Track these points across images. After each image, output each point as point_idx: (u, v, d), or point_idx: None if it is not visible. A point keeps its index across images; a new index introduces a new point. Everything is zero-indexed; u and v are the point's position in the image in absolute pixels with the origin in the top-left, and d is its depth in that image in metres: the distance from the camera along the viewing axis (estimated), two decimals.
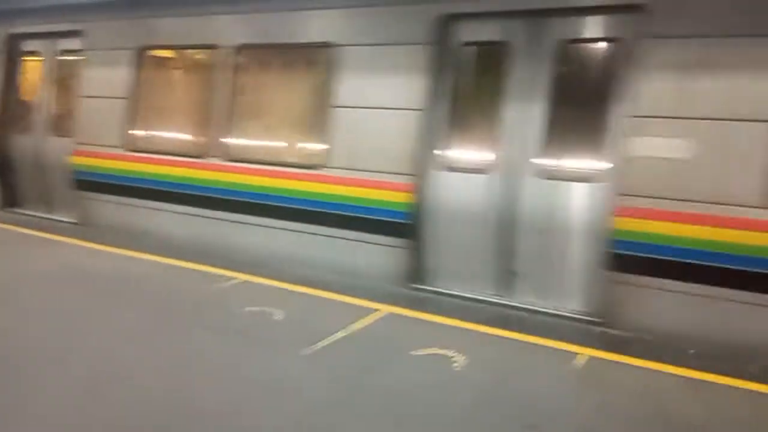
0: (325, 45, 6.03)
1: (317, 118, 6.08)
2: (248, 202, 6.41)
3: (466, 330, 4.59)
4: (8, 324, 4.37)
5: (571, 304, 5.07)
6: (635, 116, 4.62)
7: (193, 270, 5.86)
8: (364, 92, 5.82)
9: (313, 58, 6.20)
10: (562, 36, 5.07)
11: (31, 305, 4.80)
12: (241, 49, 6.63)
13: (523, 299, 5.24)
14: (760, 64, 4.30)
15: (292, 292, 5.29)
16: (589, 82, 5.08)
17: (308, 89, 6.36)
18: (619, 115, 4.75)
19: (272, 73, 6.65)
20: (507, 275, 5.33)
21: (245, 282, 5.52)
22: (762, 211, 4.23)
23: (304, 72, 6.39)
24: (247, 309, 4.79)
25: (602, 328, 4.74)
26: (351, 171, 5.82)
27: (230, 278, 5.60)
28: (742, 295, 4.30)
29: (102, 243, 6.70)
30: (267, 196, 6.28)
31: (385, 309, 4.90)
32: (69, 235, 7.05)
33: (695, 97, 4.47)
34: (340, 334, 4.33)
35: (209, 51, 6.88)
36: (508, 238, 5.27)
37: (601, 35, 5.03)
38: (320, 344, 4.14)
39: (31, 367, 3.66)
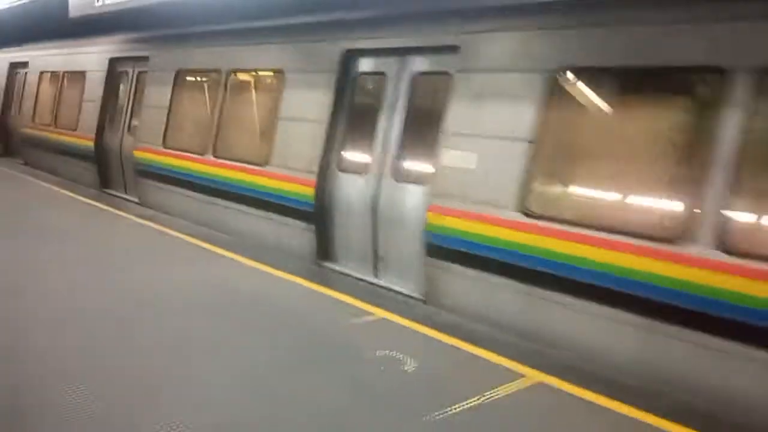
0: (279, 71, 7.77)
1: (268, 127, 7.83)
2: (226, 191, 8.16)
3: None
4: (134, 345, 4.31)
5: (409, 285, 6.17)
6: (446, 132, 5.79)
7: (332, 299, 5.55)
8: (296, 107, 7.44)
9: (270, 81, 8.31)
10: (415, 69, 6.36)
11: (157, 330, 4.74)
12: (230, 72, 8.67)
13: (385, 279, 6.47)
14: (516, 92, 5.30)
15: (431, 338, 4.75)
16: (428, 105, 6.31)
17: (265, 105, 8.24)
18: (440, 131, 5.83)
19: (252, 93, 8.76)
20: (376, 259, 6.54)
21: (383, 320, 5.08)
22: (514, 213, 5.16)
23: (263, 92, 8.49)
24: (379, 353, 4.34)
25: (425, 305, 5.83)
26: (281, 168, 7.40)
27: (368, 313, 5.19)
28: (506, 281, 5.21)
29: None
30: (227, 184, 8.16)
31: (536, 377, 4.17)
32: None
33: (479, 119, 5.56)
34: (474, 401, 3.71)
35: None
36: (375, 229, 6.52)
37: (436, 69, 6.19)
38: (451, 411, 3.56)
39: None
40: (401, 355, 4.31)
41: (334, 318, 5.08)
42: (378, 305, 5.37)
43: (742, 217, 4.19)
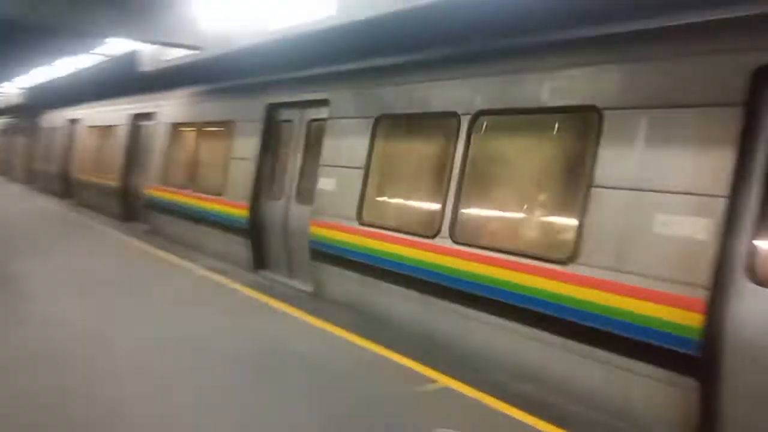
0: (231, 121, 9.79)
1: (223, 166, 9.77)
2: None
3: None
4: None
5: (308, 284, 7.72)
6: (321, 164, 7.59)
7: (394, 363, 4.99)
8: (240, 149, 9.38)
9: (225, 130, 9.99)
10: (309, 117, 8.25)
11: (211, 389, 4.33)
12: None
13: (296, 281, 8.08)
14: (356, 132, 7.23)
15: (498, 413, 4.12)
16: (316, 144, 7.92)
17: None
18: (319, 164, 7.64)
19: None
20: (290, 265, 8.28)
21: (446, 389, 4.48)
22: (354, 222, 6.85)
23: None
24: (437, 431, 3.75)
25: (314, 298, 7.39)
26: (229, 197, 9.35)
27: (431, 381, 4.61)
28: (352, 274, 6.88)
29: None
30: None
31: None
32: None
33: (338, 153, 7.42)
34: None
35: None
36: (287, 241, 8.28)
37: (321, 117, 7.88)
38: None
39: None
40: None
41: (393, 385, 4.53)
42: (442, 371, 4.77)
43: (461, 215, 5.80)
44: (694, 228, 4.05)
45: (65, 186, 17.97)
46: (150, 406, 4.02)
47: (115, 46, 11.36)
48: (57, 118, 19.95)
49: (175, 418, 3.86)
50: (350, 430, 3.80)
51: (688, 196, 4.13)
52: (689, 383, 3.94)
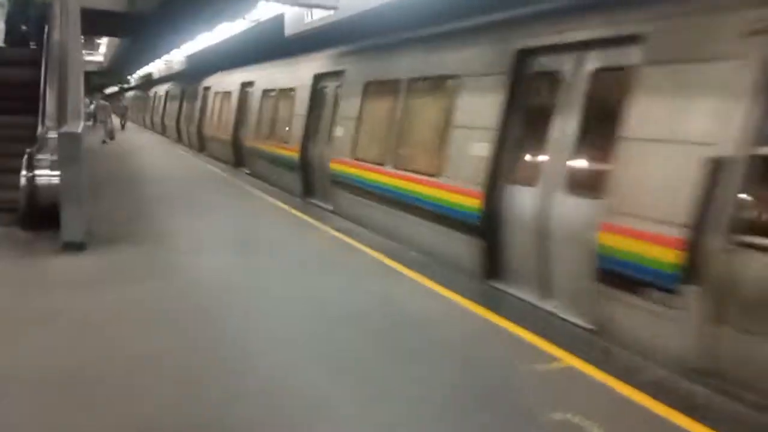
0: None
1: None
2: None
3: None
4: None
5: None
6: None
7: (512, 337, 4.77)
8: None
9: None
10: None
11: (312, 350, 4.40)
12: None
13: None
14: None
15: (627, 400, 3.78)
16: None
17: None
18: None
19: None
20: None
21: (568, 368, 4.19)
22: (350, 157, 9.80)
23: None
24: (554, 416, 3.51)
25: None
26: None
27: (552, 359, 4.34)
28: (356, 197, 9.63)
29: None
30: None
31: None
32: None
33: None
34: None
35: None
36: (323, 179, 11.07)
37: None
38: None
39: None
40: (585, 422, 3.44)
41: (511, 360, 4.32)
42: (565, 349, 4.48)
43: (398, 149, 8.64)
44: (482, 149, 6.63)
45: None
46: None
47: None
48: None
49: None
50: (468, 404, 3.67)
51: (482, 130, 6.71)
52: (479, 241, 6.60)
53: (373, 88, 9.49)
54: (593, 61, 5.62)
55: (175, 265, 6.44)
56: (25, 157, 7.48)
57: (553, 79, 6.04)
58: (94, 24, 15.37)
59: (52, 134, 8.64)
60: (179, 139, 25.96)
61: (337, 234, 8.16)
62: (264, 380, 3.89)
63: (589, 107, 5.59)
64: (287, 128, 12.93)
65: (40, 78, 10.24)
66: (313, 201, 11.33)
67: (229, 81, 18.55)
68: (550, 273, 5.82)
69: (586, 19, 5.75)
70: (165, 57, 26.93)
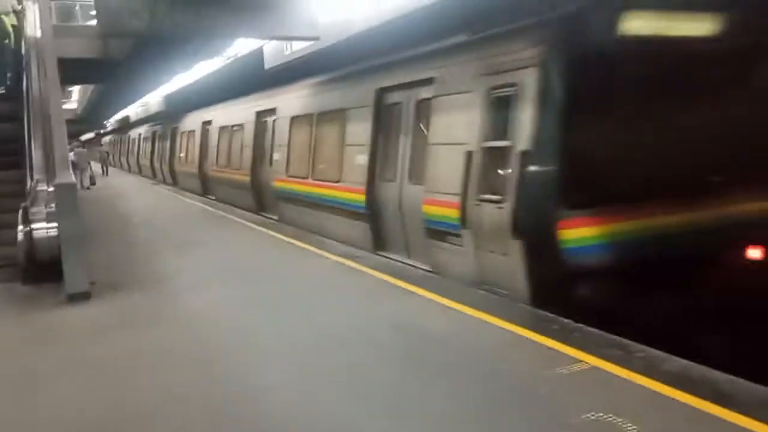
0: None
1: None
2: None
3: None
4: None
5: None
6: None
7: (531, 342, 4.85)
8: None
9: None
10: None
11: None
12: None
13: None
14: None
15: (653, 393, 3.86)
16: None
17: None
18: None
19: None
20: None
21: (593, 369, 4.27)
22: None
23: None
24: (590, 416, 3.58)
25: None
26: None
27: (576, 361, 4.42)
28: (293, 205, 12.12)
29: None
30: None
31: None
32: None
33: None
34: None
35: None
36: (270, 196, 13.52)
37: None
38: None
39: None
40: (618, 420, 3.51)
41: (535, 366, 4.40)
42: (587, 351, 4.56)
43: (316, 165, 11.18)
44: (363, 159, 9.13)
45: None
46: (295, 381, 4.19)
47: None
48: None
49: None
50: (501, 414, 3.73)
51: (361, 146, 9.24)
52: (367, 224, 9.09)
53: (296, 121, 12.01)
54: (415, 95, 8.27)
55: (181, 307, 6.46)
56: (20, 211, 7.46)
57: (397, 107, 8.68)
58: (68, 72, 15.38)
59: (42, 186, 8.65)
60: (154, 176, 27.15)
61: (337, 258, 8.22)
62: (292, 412, 3.92)
63: (416, 126, 8.24)
64: (240, 157, 15.16)
65: (22, 132, 10.26)
66: (264, 214, 13.54)
67: (191, 120, 20.74)
68: (408, 238, 8.38)
69: (410, 68, 8.45)
70: (141, 99, 26.97)
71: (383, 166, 8.87)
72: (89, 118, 39.07)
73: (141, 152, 31.04)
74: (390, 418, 3.76)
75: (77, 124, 40.59)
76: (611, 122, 5.73)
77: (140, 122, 31.86)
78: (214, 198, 17.39)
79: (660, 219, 5.83)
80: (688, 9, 6.12)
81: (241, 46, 11.99)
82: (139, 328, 5.80)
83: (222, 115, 17.25)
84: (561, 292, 5.57)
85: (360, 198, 9.08)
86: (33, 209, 7.53)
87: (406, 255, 8.34)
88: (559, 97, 5.84)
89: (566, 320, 5.28)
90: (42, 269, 7.16)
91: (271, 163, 13.08)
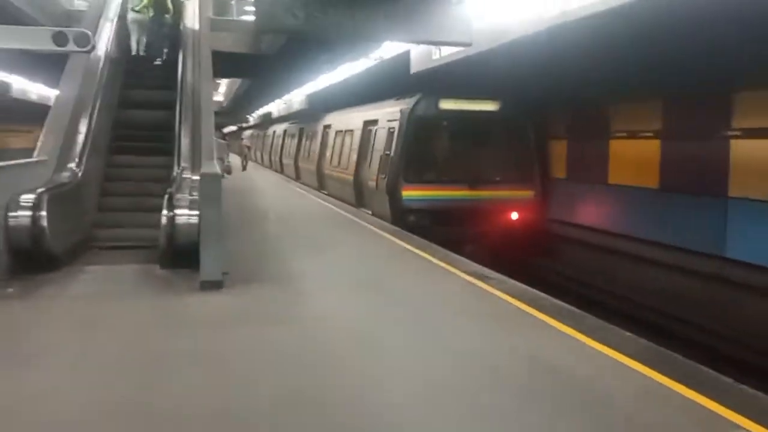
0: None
1: None
2: None
3: None
4: None
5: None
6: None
7: (683, 399, 4.44)
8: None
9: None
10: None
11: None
12: None
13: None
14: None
15: None
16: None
17: None
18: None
19: None
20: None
21: None
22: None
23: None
24: None
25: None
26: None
27: (734, 426, 3.97)
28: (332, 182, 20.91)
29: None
30: None
31: None
32: None
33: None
34: None
35: None
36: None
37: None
38: None
39: None
40: None
41: (683, 426, 4.02)
42: (744, 414, 4.10)
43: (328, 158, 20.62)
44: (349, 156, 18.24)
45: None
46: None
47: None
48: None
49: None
50: None
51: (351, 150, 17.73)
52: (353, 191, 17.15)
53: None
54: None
55: (308, 307, 6.63)
56: (166, 196, 7.97)
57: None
58: (219, 65, 16.36)
59: (187, 174, 9.22)
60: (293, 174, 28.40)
61: (468, 278, 8.06)
62: None
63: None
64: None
65: (173, 120, 11.00)
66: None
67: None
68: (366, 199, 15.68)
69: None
70: (285, 96, 28.41)
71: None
72: (233, 111, 41.59)
73: (277, 148, 32.43)
74: None
75: (221, 117, 43.31)
76: (428, 145, 14.15)
77: (280, 120, 33.33)
78: (326, 192, 19.94)
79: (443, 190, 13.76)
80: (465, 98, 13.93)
81: (387, 49, 12.18)
82: (265, 324, 6.00)
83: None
84: (402, 219, 13.09)
85: (351, 176, 17.22)
86: (177, 195, 8.03)
87: (366, 209, 15.52)
88: (407, 133, 13.47)
89: (716, 373, 4.83)
90: (180, 255, 7.60)
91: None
